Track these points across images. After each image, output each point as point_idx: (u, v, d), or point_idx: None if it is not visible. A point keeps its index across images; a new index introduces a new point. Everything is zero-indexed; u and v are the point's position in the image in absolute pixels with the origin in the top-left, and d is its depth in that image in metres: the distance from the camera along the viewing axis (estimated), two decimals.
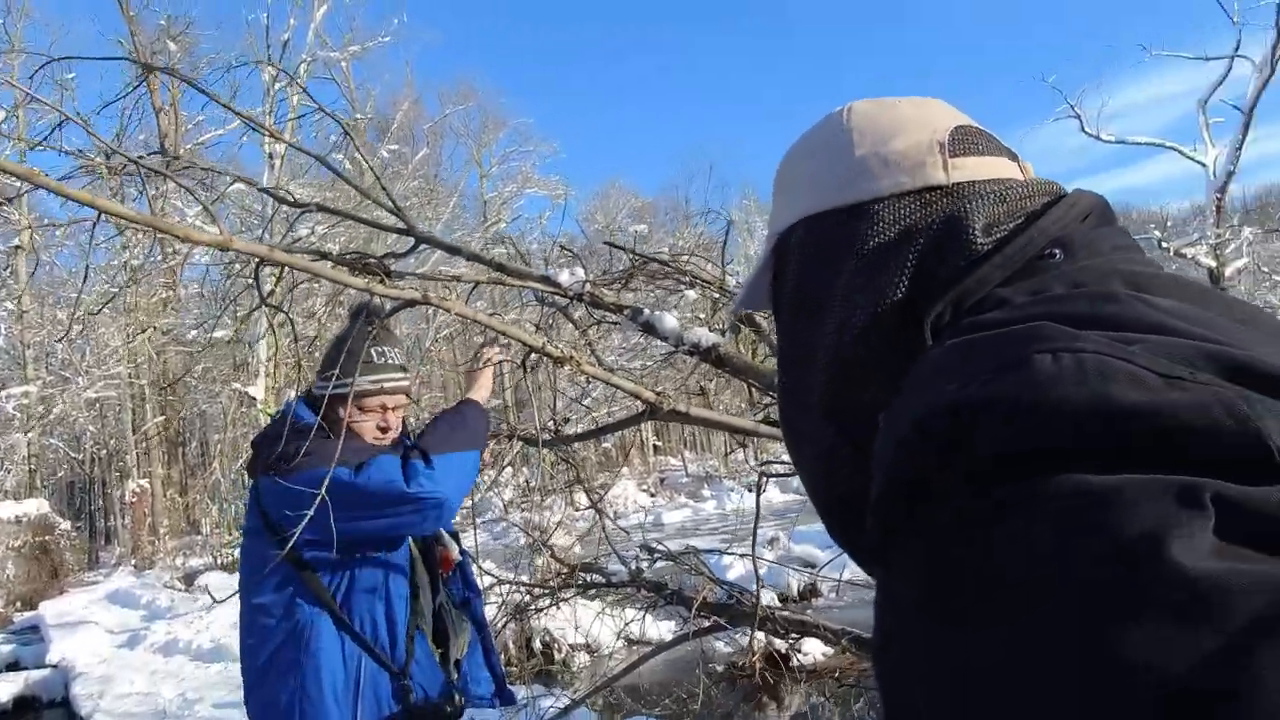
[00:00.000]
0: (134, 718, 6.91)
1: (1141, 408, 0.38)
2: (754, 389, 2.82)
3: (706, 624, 3.06)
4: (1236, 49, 14.05)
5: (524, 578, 5.32)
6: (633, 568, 3.64)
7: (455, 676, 1.94)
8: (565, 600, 4.10)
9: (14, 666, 9.63)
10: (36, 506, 15.12)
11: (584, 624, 6.38)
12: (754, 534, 2.37)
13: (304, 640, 1.72)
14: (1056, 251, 0.58)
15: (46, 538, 14.91)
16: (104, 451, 26.21)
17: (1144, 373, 0.39)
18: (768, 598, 3.34)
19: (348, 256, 2.19)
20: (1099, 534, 0.35)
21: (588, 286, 2.43)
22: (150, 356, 19.43)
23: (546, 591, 4.09)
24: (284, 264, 1.70)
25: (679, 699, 5.31)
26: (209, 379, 19.51)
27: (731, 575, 6.57)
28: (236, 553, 15.59)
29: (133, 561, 17.76)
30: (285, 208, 3.13)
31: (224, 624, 8.64)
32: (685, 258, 2.59)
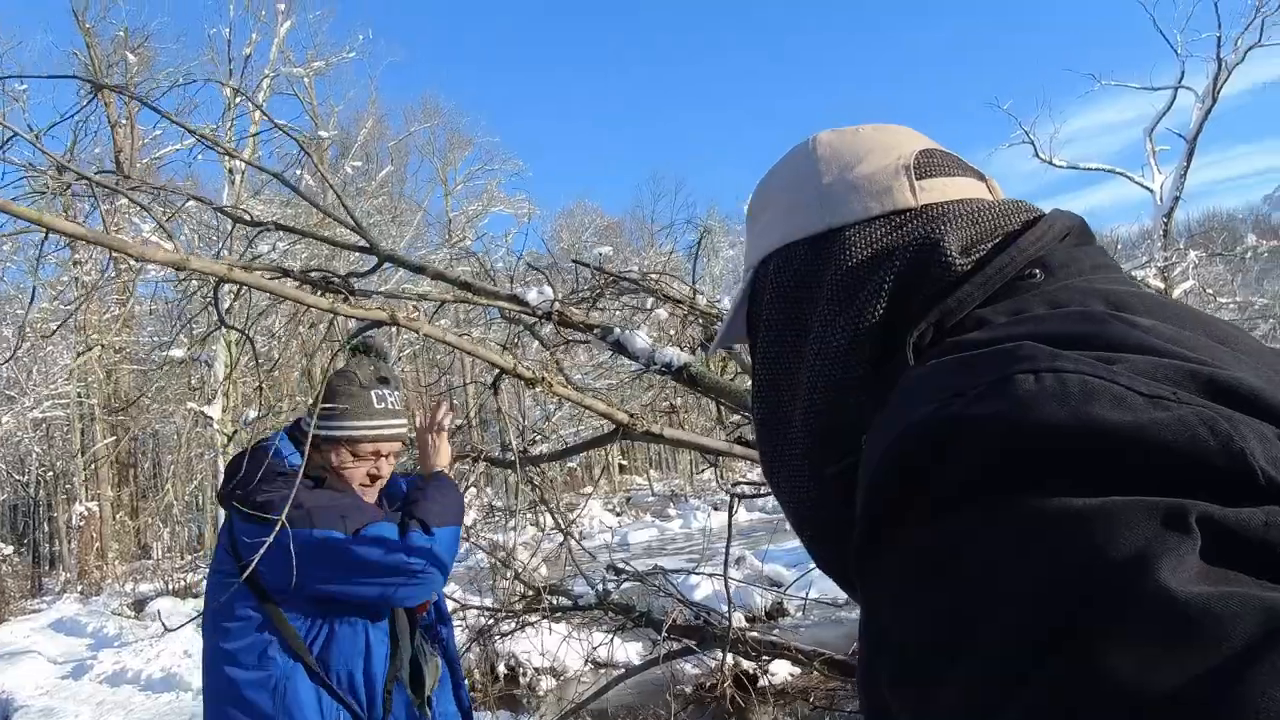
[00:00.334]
0: None
1: (1124, 427, 0.37)
2: (723, 408, 2.81)
3: (677, 647, 3.02)
4: (1180, 80, 14.67)
5: (488, 601, 5.23)
6: (600, 589, 3.59)
7: (429, 715, 1.86)
8: (531, 624, 4.03)
9: None
10: None
11: (550, 647, 6.28)
12: (726, 555, 2.36)
13: (278, 693, 1.63)
14: (1036, 271, 0.58)
15: None
16: (50, 473, 25.32)
17: (1126, 392, 0.39)
18: (736, 618, 3.32)
19: (310, 274, 2.15)
20: (1084, 556, 0.34)
21: (556, 305, 2.41)
22: (101, 375, 18.86)
23: (511, 615, 4.02)
24: (243, 283, 1.64)
25: None
26: (163, 398, 18.99)
27: (698, 595, 6.54)
28: (189, 578, 15.14)
29: (79, 588, 17.07)
30: (266, 229, 3.06)
31: (175, 652, 8.35)
32: (655, 276, 2.58)
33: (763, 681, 5.20)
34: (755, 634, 2.90)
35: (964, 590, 0.38)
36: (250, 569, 1.55)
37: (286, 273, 2.33)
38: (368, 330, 1.97)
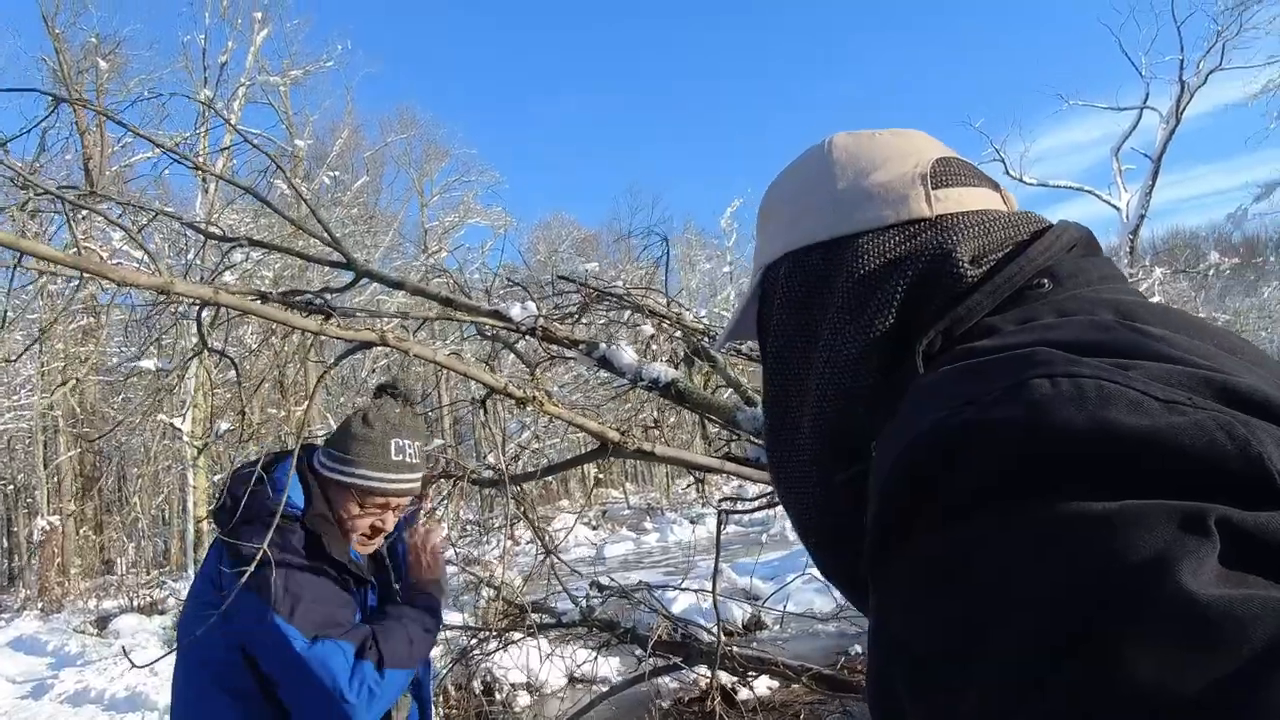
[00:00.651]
0: None
1: (1141, 432, 0.38)
2: (709, 423, 2.81)
3: (661, 663, 3.00)
4: (1145, 101, 15.08)
5: (469, 619, 5.15)
6: (583, 606, 3.57)
7: None
8: (514, 642, 3.98)
9: None
10: None
11: (530, 664, 6.21)
12: (715, 572, 2.34)
13: None
14: (1045, 281, 0.59)
15: None
16: (11, 487, 24.65)
17: (1143, 397, 0.39)
18: (708, 634, 3.31)
19: (290, 296, 2.11)
20: (1102, 560, 0.34)
21: (540, 321, 2.40)
22: (65, 387, 18.43)
23: (494, 634, 3.96)
24: (229, 307, 1.61)
25: None
26: (130, 410, 18.60)
27: (677, 609, 6.51)
28: (154, 594, 14.78)
29: (39, 605, 16.59)
30: (238, 245, 3.01)
31: (140, 671, 8.14)
32: (640, 291, 2.58)
33: (742, 696, 5.17)
34: (740, 649, 2.89)
35: (976, 596, 0.38)
36: (225, 606, 1.50)
37: (265, 296, 2.30)
38: (355, 352, 1.92)
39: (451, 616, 6.29)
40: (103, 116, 17.11)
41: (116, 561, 19.71)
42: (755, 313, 0.74)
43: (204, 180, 14.43)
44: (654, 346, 3.10)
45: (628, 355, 2.31)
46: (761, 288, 0.73)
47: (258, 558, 1.51)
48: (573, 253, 33.55)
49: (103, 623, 12.73)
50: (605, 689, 3.91)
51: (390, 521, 1.76)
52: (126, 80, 17.60)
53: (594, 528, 22.68)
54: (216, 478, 15.15)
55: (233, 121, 14.68)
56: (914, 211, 0.64)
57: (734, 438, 2.54)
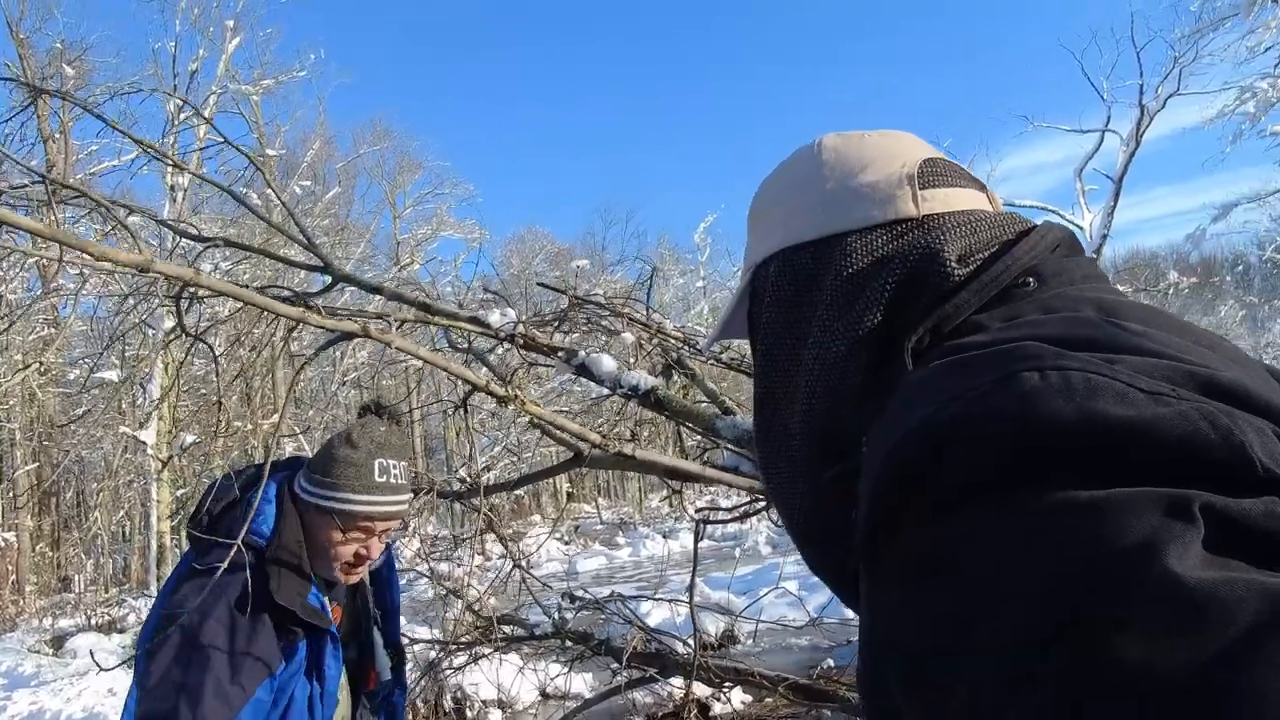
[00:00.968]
0: None
1: (1129, 422, 0.38)
2: (685, 435, 2.81)
3: (637, 675, 2.98)
4: (1107, 124, 15.49)
5: (436, 633, 5.07)
6: (556, 618, 3.53)
7: None
8: (485, 656, 3.93)
9: None
10: None
11: (503, 679, 6.13)
12: (691, 580, 2.34)
13: None
14: (1030, 280, 0.60)
15: None
16: None
17: (1129, 389, 0.40)
18: (684, 646, 3.28)
19: (268, 289, 2.07)
20: (1091, 545, 0.35)
21: (519, 328, 2.39)
22: (24, 398, 17.94)
23: (462, 647, 3.91)
24: (209, 288, 1.57)
25: None
26: (90, 422, 18.14)
27: (652, 622, 6.47)
28: (114, 612, 14.36)
29: None
30: (187, 242, 2.96)
31: (98, 690, 7.90)
32: (621, 300, 2.58)
33: (716, 709, 5.15)
34: (717, 660, 2.88)
35: (965, 591, 0.38)
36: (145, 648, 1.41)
37: (239, 288, 2.26)
38: (336, 343, 1.87)
39: (420, 630, 6.19)
40: (67, 124, 16.80)
41: (74, 579, 19.14)
42: (745, 312, 0.75)
43: (172, 189, 14.21)
44: (632, 359, 3.10)
45: (607, 363, 2.31)
46: (752, 287, 0.73)
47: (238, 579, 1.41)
48: (547, 266, 33.53)
49: (59, 642, 12.36)
50: (578, 704, 3.86)
51: (376, 548, 1.64)
52: (93, 87, 17.30)
53: (566, 543, 22.52)
54: (180, 492, 14.81)
55: (204, 129, 14.49)
56: (901, 211, 0.65)
57: (712, 446, 2.54)
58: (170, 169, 12.99)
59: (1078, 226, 15.71)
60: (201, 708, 1.34)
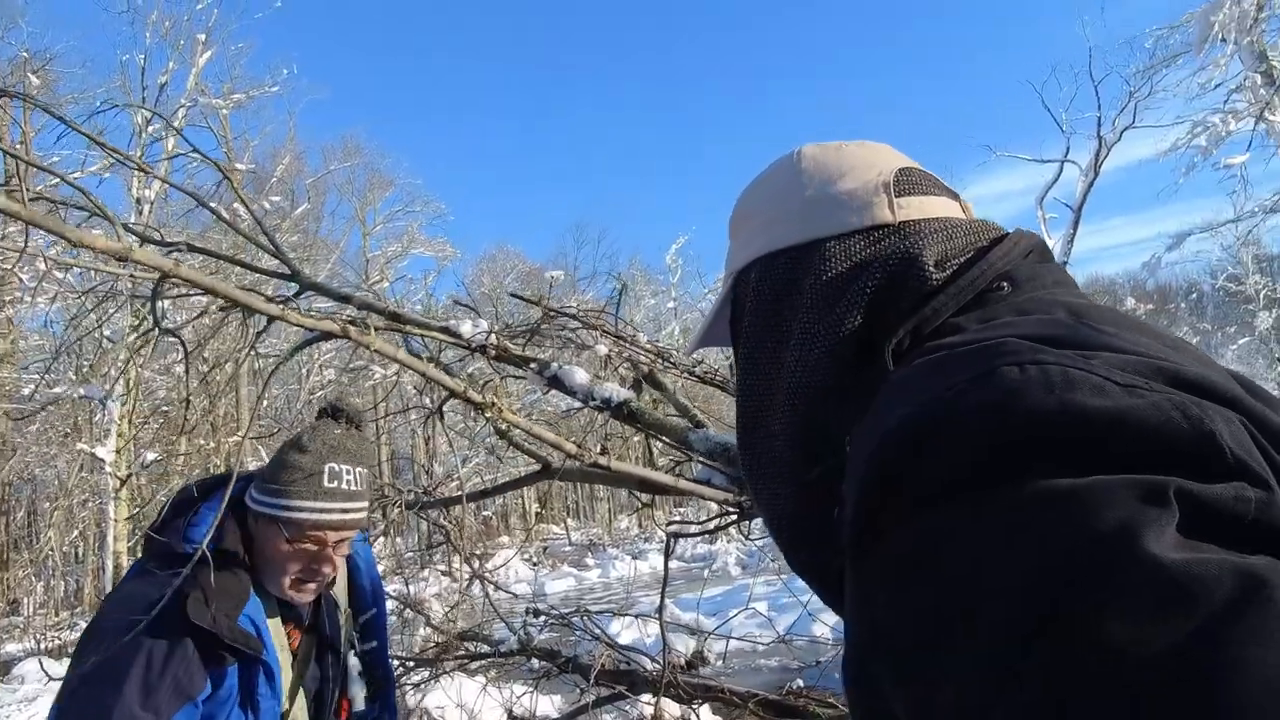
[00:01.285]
0: None
1: (1107, 412, 0.40)
2: (655, 450, 2.81)
3: (606, 693, 2.95)
4: (1066, 154, 15.93)
5: (399, 651, 4.96)
6: (521, 634, 3.48)
7: None
8: (446, 673, 3.86)
9: None
10: None
11: (466, 699, 6.01)
12: (662, 594, 2.33)
13: None
14: (1004, 284, 0.62)
15: None
16: None
17: (1105, 382, 0.41)
18: (653, 664, 3.25)
19: (240, 290, 2.04)
20: (1072, 531, 0.36)
21: (492, 338, 2.38)
22: None
23: (424, 664, 3.83)
24: (189, 280, 1.53)
25: None
26: (43, 440, 17.60)
27: (620, 642, 6.40)
28: (64, 636, 13.86)
29: None
30: (177, 251, 2.90)
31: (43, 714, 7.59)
32: (594, 313, 2.59)
33: None
34: (686, 677, 2.86)
35: (947, 588, 0.39)
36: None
37: (211, 290, 2.22)
38: (312, 343, 1.83)
39: None
40: (28, 135, 16.44)
41: (24, 601, 18.48)
42: (727, 319, 0.76)
43: (137, 202, 13.97)
44: (602, 372, 3.11)
45: (580, 375, 2.31)
46: (733, 293, 0.75)
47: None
48: (519, 285, 33.43)
49: (5, 667, 11.92)
50: None
51: (328, 565, 1.49)
52: (59, 97, 17.00)
53: (534, 564, 22.29)
54: (138, 510, 14.40)
55: (172, 141, 14.30)
56: (878, 217, 0.67)
57: (683, 460, 2.54)
58: (136, 183, 12.78)
59: None
60: None
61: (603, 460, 1.97)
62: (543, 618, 3.84)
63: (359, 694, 1.70)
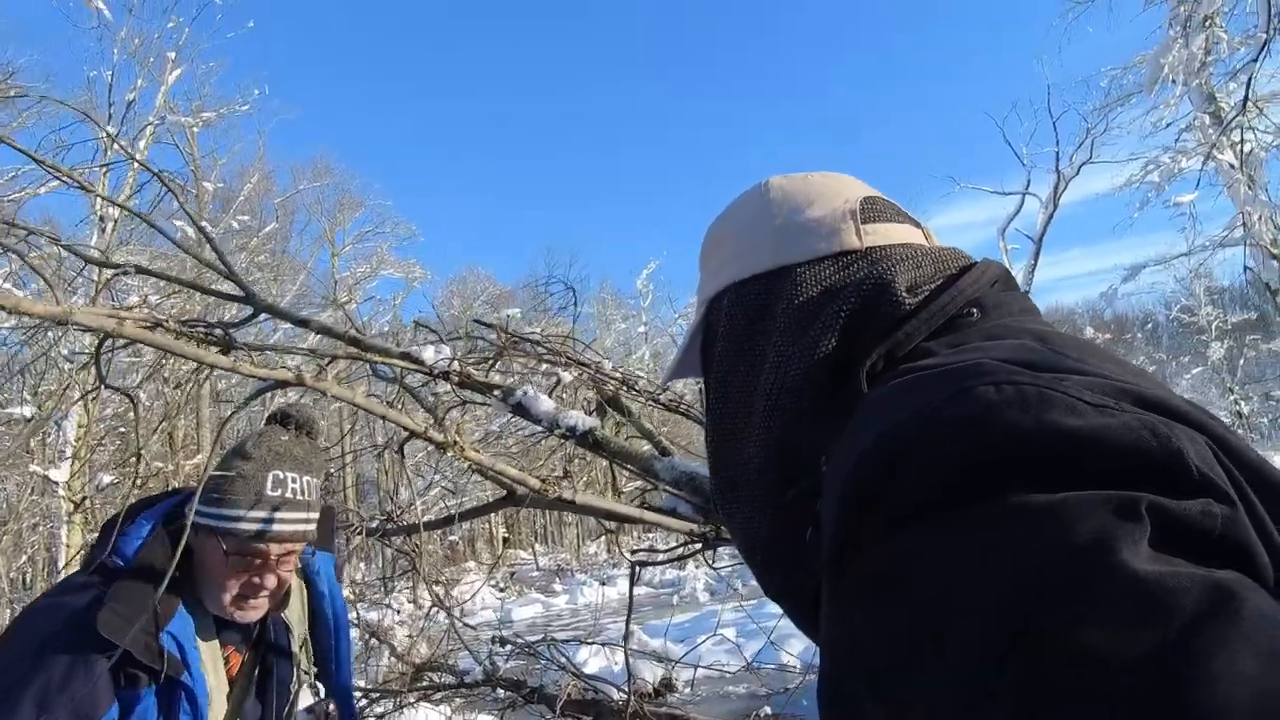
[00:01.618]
0: None
1: (1081, 431, 0.41)
2: (620, 478, 2.81)
3: None
4: (1027, 187, 16.38)
5: (361, 683, 4.85)
6: (487, 665, 3.43)
7: None
8: (410, 704, 3.78)
9: None
10: None
11: None
12: (627, 624, 2.31)
13: None
14: (973, 310, 0.64)
15: None
16: None
17: (1077, 402, 0.43)
18: (620, 693, 3.21)
19: (189, 323, 2.00)
20: (1046, 550, 0.37)
21: (454, 364, 2.36)
22: None
23: (387, 694, 3.75)
24: (136, 340, 1.49)
25: None
26: None
27: (589, 670, 6.32)
28: None
29: None
30: (123, 273, 2.85)
31: None
32: (561, 338, 2.59)
33: None
34: (653, 707, 2.84)
35: (920, 608, 0.39)
36: None
37: (159, 323, 2.18)
38: (267, 391, 1.74)
39: None
40: None
41: None
42: (699, 347, 0.77)
43: (101, 219, 13.70)
44: (568, 396, 3.10)
45: (545, 403, 2.30)
46: (705, 321, 0.76)
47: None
48: (488, 308, 33.28)
49: None
50: None
51: (273, 579, 1.39)
52: (21, 112, 16.69)
53: (501, 590, 21.99)
54: (92, 535, 13.94)
55: (138, 159, 14.07)
56: (845, 244, 0.69)
57: (650, 488, 2.54)
58: (99, 200, 12.51)
59: None
60: None
61: (566, 495, 1.96)
62: (508, 646, 3.79)
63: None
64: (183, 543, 1.34)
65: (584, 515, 2.16)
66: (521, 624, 15.88)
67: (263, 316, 2.46)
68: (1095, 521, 0.37)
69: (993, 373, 0.47)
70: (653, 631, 10.99)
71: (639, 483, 2.83)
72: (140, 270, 2.61)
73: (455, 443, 1.85)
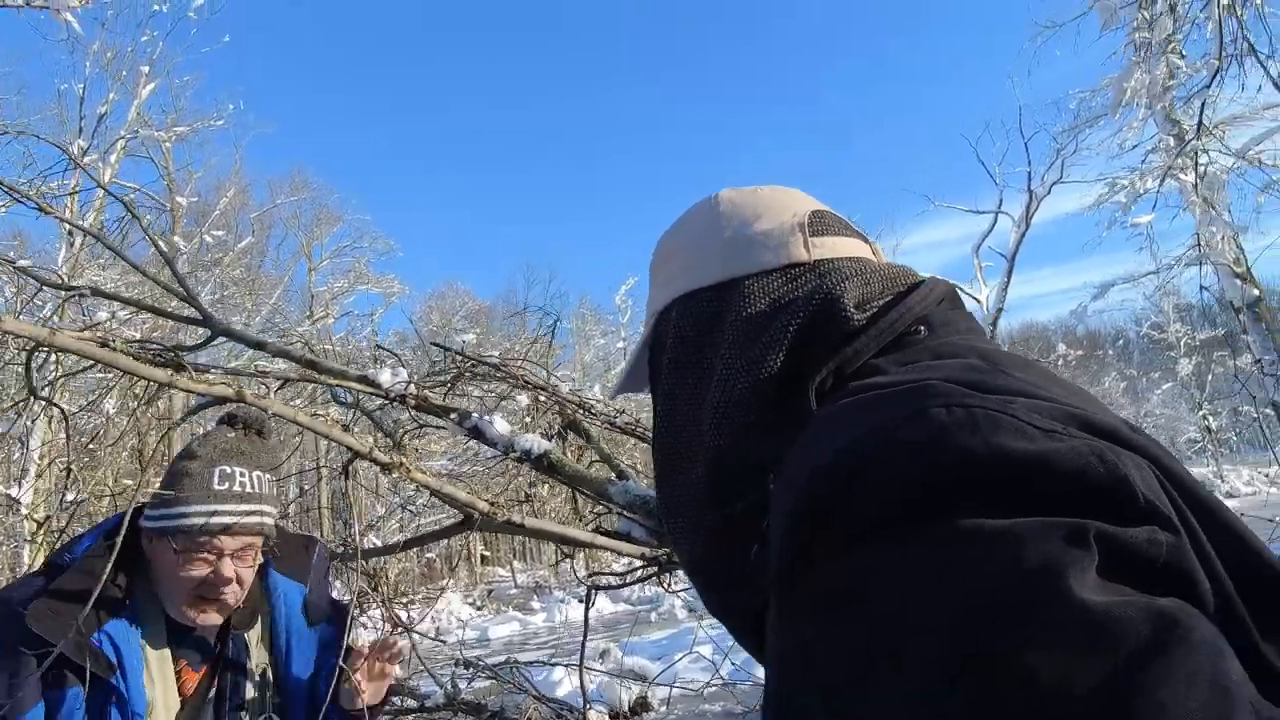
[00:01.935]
0: None
1: (1029, 454, 0.42)
2: (580, 497, 2.81)
3: None
4: (1000, 206, 16.63)
5: None
6: (448, 688, 3.40)
7: None
8: None
9: None
10: None
11: None
12: (582, 646, 2.31)
13: None
14: (921, 328, 0.65)
15: None
16: None
17: (1026, 426, 0.44)
18: (595, 714, 3.19)
19: (139, 343, 1.99)
20: (997, 571, 0.37)
21: (410, 387, 2.36)
22: None
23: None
24: (67, 350, 1.49)
25: None
26: None
27: (561, 691, 6.28)
28: None
29: None
30: (79, 295, 2.83)
31: None
32: (517, 361, 2.59)
33: None
34: None
35: (875, 625, 0.40)
36: None
37: (106, 343, 2.16)
38: (207, 407, 1.74)
39: None
40: None
41: None
42: (648, 360, 0.77)
43: (70, 233, 13.53)
44: (529, 420, 3.10)
45: (500, 426, 2.30)
46: (654, 334, 0.76)
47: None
48: (467, 323, 33.17)
49: None
50: None
51: (229, 570, 1.35)
52: None
53: (479, 608, 21.77)
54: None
55: (110, 174, 13.95)
56: (794, 256, 0.69)
57: (606, 511, 2.54)
58: (70, 212, 12.36)
59: (976, 300, 16.68)
60: None
61: (515, 518, 1.96)
62: (471, 669, 3.76)
63: None
64: (122, 532, 1.33)
65: (539, 538, 2.16)
66: (498, 642, 15.70)
67: (218, 339, 2.45)
68: (1045, 548, 0.37)
69: (946, 394, 0.47)
70: (630, 649, 10.92)
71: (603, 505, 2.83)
72: (96, 293, 2.59)
73: (400, 464, 1.84)
